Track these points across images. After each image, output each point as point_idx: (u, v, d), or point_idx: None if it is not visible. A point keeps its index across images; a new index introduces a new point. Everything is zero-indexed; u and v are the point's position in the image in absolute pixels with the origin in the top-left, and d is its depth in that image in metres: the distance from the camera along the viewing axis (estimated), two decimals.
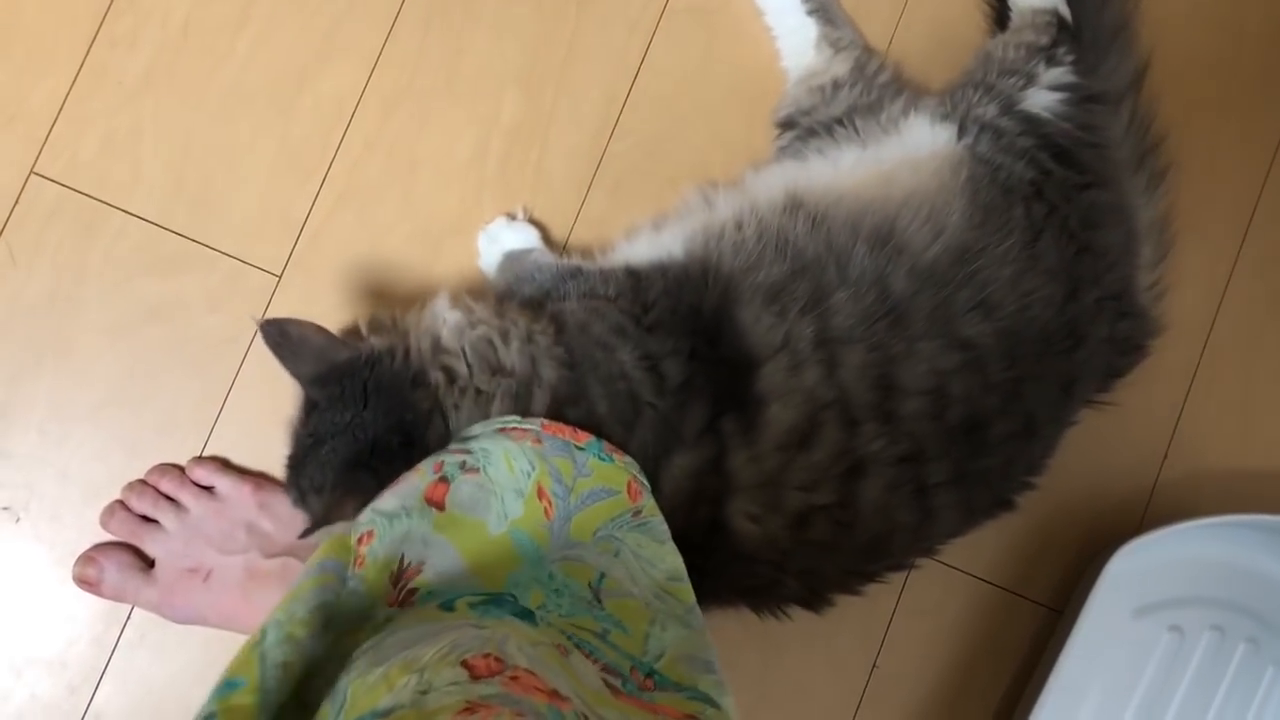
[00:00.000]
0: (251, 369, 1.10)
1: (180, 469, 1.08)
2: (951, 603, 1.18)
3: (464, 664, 0.63)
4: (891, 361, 0.93)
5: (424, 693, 0.60)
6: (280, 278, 1.10)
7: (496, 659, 0.64)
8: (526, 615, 0.79)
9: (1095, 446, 1.17)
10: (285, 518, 1.05)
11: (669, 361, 0.92)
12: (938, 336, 0.94)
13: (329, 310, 1.11)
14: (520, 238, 1.10)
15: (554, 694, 0.62)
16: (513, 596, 0.80)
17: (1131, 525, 1.19)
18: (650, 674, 0.78)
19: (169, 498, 1.06)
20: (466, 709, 0.57)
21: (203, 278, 1.10)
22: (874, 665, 1.17)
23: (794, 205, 0.98)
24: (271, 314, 1.10)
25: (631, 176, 1.15)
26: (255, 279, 1.10)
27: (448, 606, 0.77)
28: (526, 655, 0.66)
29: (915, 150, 1.04)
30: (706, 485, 0.91)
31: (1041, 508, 1.14)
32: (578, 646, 0.77)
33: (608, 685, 0.73)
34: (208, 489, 1.07)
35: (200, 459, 1.08)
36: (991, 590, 1.19)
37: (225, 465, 1.08)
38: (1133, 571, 1.14)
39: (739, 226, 0.98)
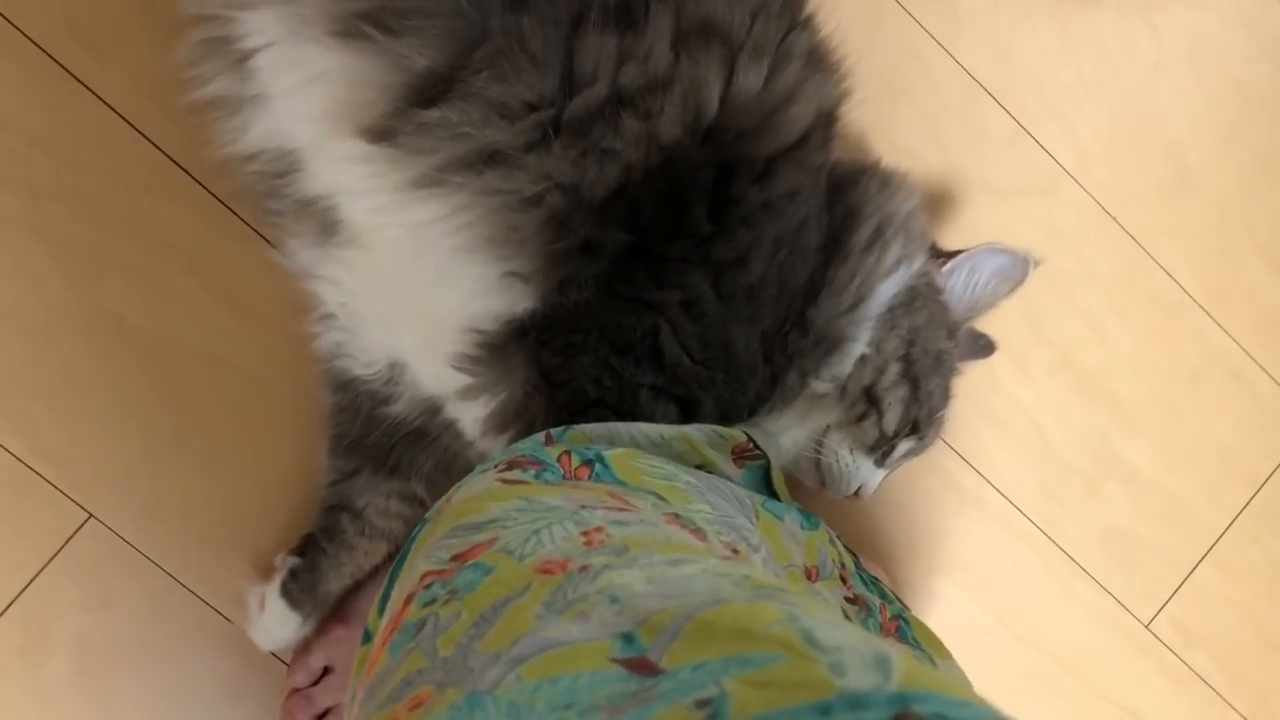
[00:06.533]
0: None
1: (294, 693, 0.88)
2: None
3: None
4: None
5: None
6: (90, 515, 0.86)
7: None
8: None
9: None
10: (365, 607, 0.87)
11: None
12: None
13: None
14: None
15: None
16: None
17: None
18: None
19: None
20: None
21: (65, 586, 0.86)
22: None
23: None
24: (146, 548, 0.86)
25: None
26: (84, 539, 0.86)
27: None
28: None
29: None
30: None
31: None
32: None
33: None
34: (323, 674, 0.88)
35: (290, 675, 0.89)
36: None
37: (302, 653, 0.89)
38: None
39: None
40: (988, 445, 1.00)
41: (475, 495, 0.57)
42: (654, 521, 0.55)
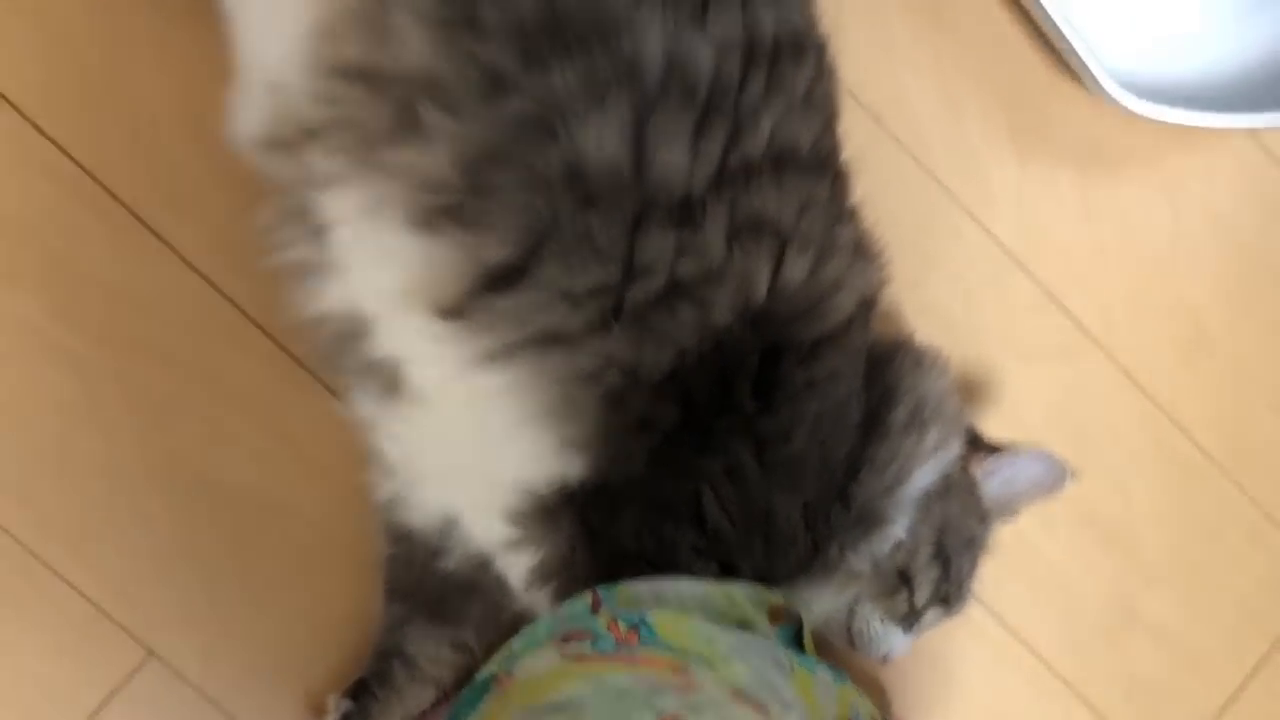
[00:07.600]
0: None
1: None
2: None
3: None
4: None
5: None
6: (150, 653, 0.89)
7: None
8: None
9: None
10: None
11: None
12: None
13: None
14: None
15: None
16: None
17: None
18: None
19: None
20: None
21: None
22: None
23: None
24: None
25: None
26: (144, 677, 0.89)
27: None
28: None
29: None
30: None
31: None
32: None
33: None
34: None
35: None
36: None
37: None
38: None
39: None
40: (1013, 598, 1.03)
41: (544, 674, 0.60)
42: (721, 701, 0.58)
